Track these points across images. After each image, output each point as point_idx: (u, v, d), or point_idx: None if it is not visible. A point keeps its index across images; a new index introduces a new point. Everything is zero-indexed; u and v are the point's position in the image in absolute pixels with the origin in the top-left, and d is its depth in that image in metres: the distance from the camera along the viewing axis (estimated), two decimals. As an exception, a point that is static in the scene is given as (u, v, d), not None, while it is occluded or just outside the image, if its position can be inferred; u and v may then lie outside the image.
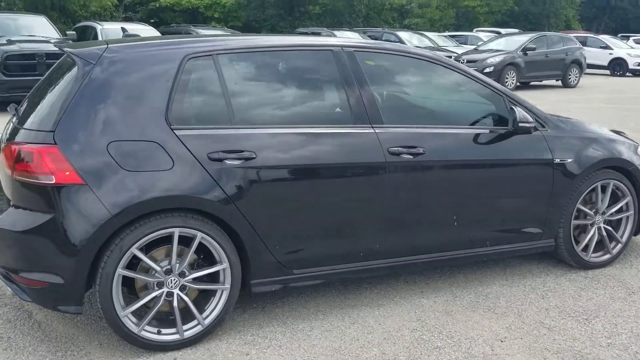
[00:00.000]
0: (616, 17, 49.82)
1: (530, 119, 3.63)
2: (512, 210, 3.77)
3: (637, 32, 38.16)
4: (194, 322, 3.08)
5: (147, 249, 3.00)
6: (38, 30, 12.83)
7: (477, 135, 3.62)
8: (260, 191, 3.08)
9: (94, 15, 22.46)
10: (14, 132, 3.10)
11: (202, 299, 3.15)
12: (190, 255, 3.03)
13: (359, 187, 3.31)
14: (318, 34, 20.69)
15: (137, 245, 2.89)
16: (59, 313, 3.43)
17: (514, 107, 3.61)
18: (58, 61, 3.55)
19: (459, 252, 3.64)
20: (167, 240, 3.00)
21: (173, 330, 3.05)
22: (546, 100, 14.13)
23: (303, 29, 23.44)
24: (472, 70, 3.76)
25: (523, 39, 18.08)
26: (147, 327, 3.00)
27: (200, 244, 3.00)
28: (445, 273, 4.03)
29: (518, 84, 17.08)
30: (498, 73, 16.39)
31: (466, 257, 3.69)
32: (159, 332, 3.02)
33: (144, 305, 3.02)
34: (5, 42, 11.67)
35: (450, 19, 36.94)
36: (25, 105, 3.38)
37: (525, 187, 3.76)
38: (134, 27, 15.18)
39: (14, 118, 3.35)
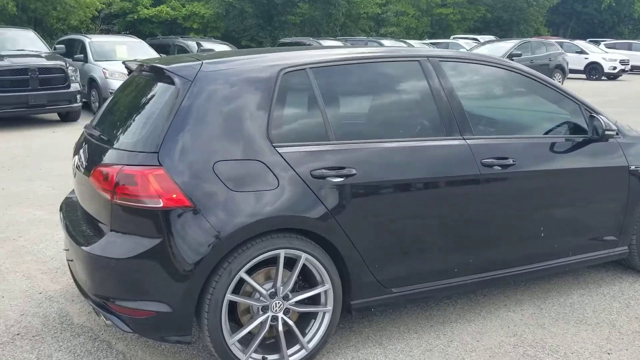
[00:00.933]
0: (582, 23, 51.08)
1: (614, 127, 3.62)
2: (592, 218, 3.74)
3: (601, 37, 39.21)
4: (297, 347, 2.96)
5: (248, 273, 2.86)
6: (26, 44, 12.48)
7: (559, 143, 3.59)
8: (360, 208, 2.98)
9: (71, 29, 22.00)
10: (101, 152, 2.94)
11: (302, 322, 3.02)
12: (295, 277, 2.90)
13: (455, 201, 3.23)
14: (302, 44, 20.66)
15: (245, 268, 2.76)
16: (140, 341, 3.26)
17: (596, 115, 3.59)
18: (132, 76, 3.39)
19: (545, 263, 3.59)
20: (266, 262, 2.87)
21: (277, 356, 2.91)
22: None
23: (287, 39, 23.36)
24: (549, 79, 3.72)
25: (507, 45, 18.36)
26: (253, 354, 2.86)
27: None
28: (520, 284, 3.97)
29: (505, 89, 17.29)
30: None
31: (551, 268, 3.64)
32: (263, 359, 2.88)
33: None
34: (-6, 56, 11.30)
35: (425, 27, 37.36)
36: (104, 123, 3.22)
37: (604, 194, 3.74)
38: (123, 40, 14.90)
39: (90, 138, 3.19)
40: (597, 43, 30.62)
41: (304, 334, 2.97)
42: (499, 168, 3.30)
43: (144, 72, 3.28)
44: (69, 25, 21.82)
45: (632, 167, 3.77)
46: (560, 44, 24.16)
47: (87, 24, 24.26)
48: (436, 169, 3.17)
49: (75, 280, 3.12)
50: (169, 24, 28.13)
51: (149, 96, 3.04)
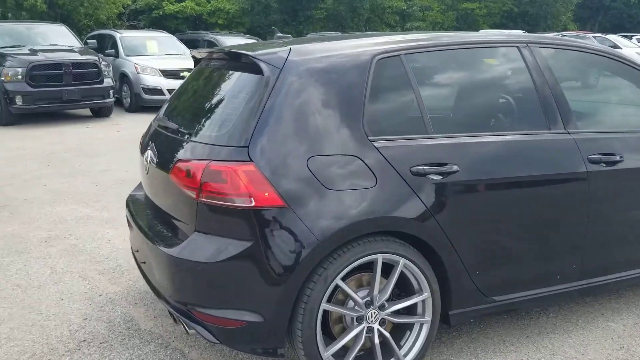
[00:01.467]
0: (610, 17, 50.00)
1: None
2: None
3: (630, 32, 38.29)
4: (392, 361, 2.70)
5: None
6: (58, 39, 12.37)
7: (619, 138, 3.20)
8: (462, 208, 2.71)
9: (98, 25, 21.93)
10: (179, 146, 2.71)
11: (396, 334, 2.76)
12: (393, 285, 2.64)
13: (560, 201, 2.94)
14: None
15: (341, 275, 2.51)
16: (214, 349, 3.04)
17: None
18: (202, 64, 3.16)
19: None
20: (357, 269, 2.61)
21: (371, 371, 2.66)
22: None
23: (315, 34, 23.01)
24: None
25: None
26: (349, 370, 2.61)
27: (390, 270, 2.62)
28: (613, 292, 3.66)
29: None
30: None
31: None
32: (358, 374, 2.64)
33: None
34: (28, 51, 11.20)
35: (451, 21, 36.77)
36: (178, 115, 3.00)
37: None
38: (154, 35, 14.75)
39: (164, 131, 2.96)
40: (629, 37, 29.85)
41: (399, 347, 2.72)
42: (604, 165, 3.01)
43: (219, 60, 3.04)
44: (96, 21, 21.71)
45: None
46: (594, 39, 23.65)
47: (113, 20, 24.20)
48: (541, 165, 2.88)
49: (150, 284, 2.90)
50: (194, 19, 27.95)
51: (229, 85, 2.80)
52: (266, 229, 2.40)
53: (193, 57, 3.45)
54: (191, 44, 15.13)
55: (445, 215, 2.65)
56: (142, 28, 24.84)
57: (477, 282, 2.79)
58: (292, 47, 2.68)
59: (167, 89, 12.59)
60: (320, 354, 2.53)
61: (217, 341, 2.53)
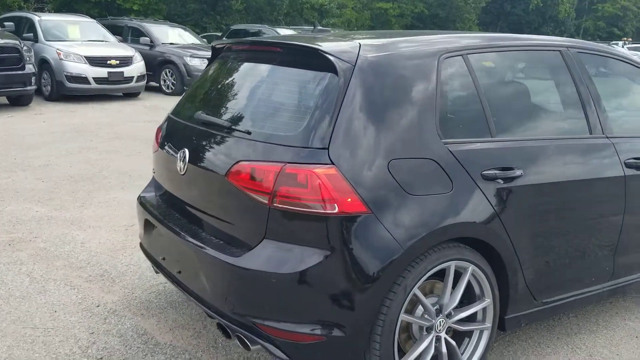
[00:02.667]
0: (510, 23, 52.99)
1: None
2: None
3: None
4: (456, 370, 2.62)
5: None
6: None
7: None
8: (523, 213, 2.68)
9: (3, 7, 20.23)
10: (234, 145, 2.48)
11: (456, 342, 2.68)
12: (462, 292, 2.57)
13: (603, 203, 3.00)
14: (258, 32, 20.03)
15: (418, 284, 2.39)
16: (254, 366, 2.82)
17: None
18: (236, 54, 2.92)
19: None
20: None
21: (438, 382, 2.57)
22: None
23: (239, 25, 22.45)
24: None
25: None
26: (419, 382, 2.51)
27: (454, 275, 2.54)
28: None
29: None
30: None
31: None
32: (425, 387, 2.53)
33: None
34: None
35: (365, 20, 37.41)
36: (218, 109, 2.74)
37: None
38: (75, 19, 13.80)
39: (203, 127, 2.70)
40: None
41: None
42: (637, 170, 3.10)
43: (264, 53, 2.81)
44: (1, 3, 19.99)
45: None
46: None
47: (19, 3, 22.41)
48: (588, 169, 2.92)
49: (192, 295, 2.64)
50: (106, 4, 26.45)
51: (290, 80, 2.58)
52: (349, 237, 2.24)
53: (213, 47, 3.20)
54: (113, 30, 14.28)
55: (510, 220, 2.60)
56: (50, 12, 23.18)
57: (530, 285, 2.77)
58: (360, 42, 2.52)
59: (93, 77, 11.85)
60: (396, 368, 2.40)
61: (286, 357, 2.33)
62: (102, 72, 12.00)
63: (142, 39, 14.48)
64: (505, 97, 2.86)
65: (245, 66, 2.87)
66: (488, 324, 2.68)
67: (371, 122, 2.34)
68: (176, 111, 3.11)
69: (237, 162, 2.40)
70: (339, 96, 2.33)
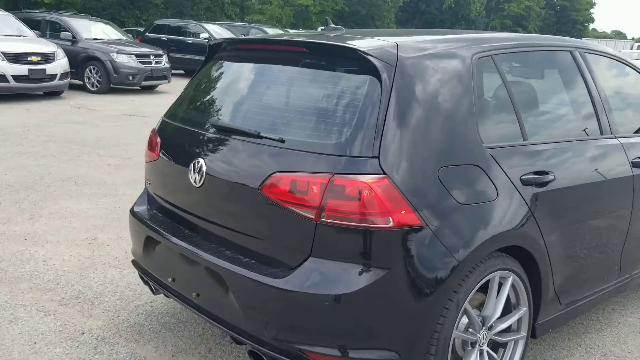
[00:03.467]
0: (425, 21, 54.57)
1: None
2: None
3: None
4: (495, 384, 2.53)
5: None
6: None
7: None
8: (555, 216, 2.62)
9: None
10: (268, 154, 2.25)
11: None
12: (504, 302, 2.47)
13: (615, 202, 3.01)
14: (183, 27, 19.40)
15: (469, 298, 2.27)
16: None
17: None
18: (247, 54, 2.67)
19: None
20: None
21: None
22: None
23: (162, 20, 21.57)
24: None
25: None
26: (467, 401, 2.39)
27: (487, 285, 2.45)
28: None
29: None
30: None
31: None
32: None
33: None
34: None
35: (288, 17, 37.25)
36: (241, 116, 2.50)
37: None
38: (-12, 11, 12.73)
39: (219, 135, 2.45)
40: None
41: (498, 368, 2.56)
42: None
43: (283, 53, 2.58)
44: None
45: None
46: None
47: None
48: (605, 169, 2.91)
49: (212, 319, 2.39)
50: (14, -4, 24.76)
51: (322, 82, 2.37)
52: (404, 252, 2.08)
53: (210, 46, 2.93)
54: (29, 24, 13.29)
55: (545, 224, 2.54)
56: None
57: (557, 289, 2.73)
58: (396, 41, 2.36)
59: (12, 75, 10.97)
60: (450, 388, 2.27)
61: (334, 385, 2.15)
62: (22, 69, 11.14)
63: (63, 34, 13.58)
64: (532, 99, 2.80)
65: (263, 67, 2.63)
66: (523, 333, 2.60)
67: (418, 127, 2.20)
68: (175, 115, 2.82)
69: (273, 173, 2.18)
70: (383, 100, 2.16)
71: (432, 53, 2.39)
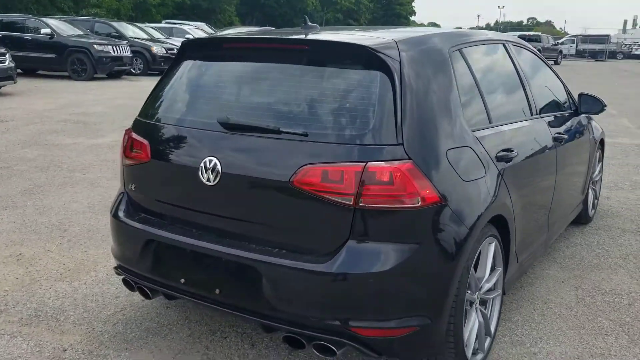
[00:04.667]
0: (265, 14, 55.13)
1: None
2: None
3: (283, 27, 43.27)
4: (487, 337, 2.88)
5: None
6: None
7: (557, 119, 4.01)
8: (518, 187, 3.01)
9: None
10: (292, 148, 2.35)
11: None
12: (490, 265, 2.82)
13: (546, 173, 3.51)
14: (16, 22, 17.75)
15: (473, 263, 2.57)
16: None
17: (582, 94, 4.25)
18: (241, 51, 2.73)
19: None
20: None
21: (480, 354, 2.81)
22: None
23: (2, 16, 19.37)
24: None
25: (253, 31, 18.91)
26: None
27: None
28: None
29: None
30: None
31: None
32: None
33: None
34: None
35: (127, 10, 35.53)
36: (253, 112, 2.54)
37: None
38: None
39: (235, 133, 2.49)
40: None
41: (482, 321, 2.91)
42: (560, 142, 3.69)
43: (280, 49, 2.66)
44: None
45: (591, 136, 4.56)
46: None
47: None
48: (539, 143, 3.40)
49: (238, 311, 2.45)
50: None
51: (330, 77, 2.49)
52: (431, 227, 2.32)
53: (184, 43, 2.92)
54: None
55: (514, 194, 2.92)
56: None
57: (517, 249, 3.13)
58: (392, 37, 2.57)
59: None
60: (464, 345, 2.56)
61: (376, 355, 2.34)
62: None
63: None
64: (490, 86, 3.16)
65: (263, 65, 2.68)
66: (499, 290, 2.98)
67: (427, 115, 2.44)
68: (163, 116, 2.78)
69: (303, 165, 2.30)
70: (396, 92, 2.36)
71: (422, 48, 2.64)
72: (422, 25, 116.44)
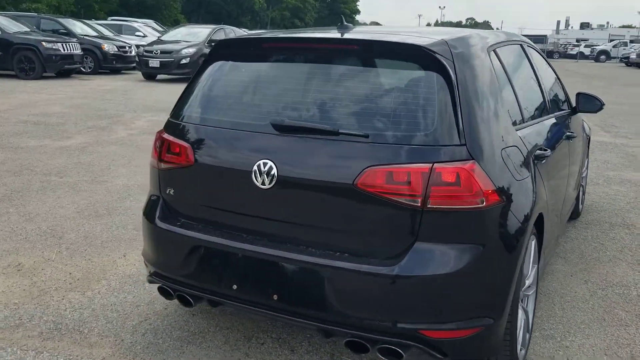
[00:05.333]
0: (211, 12, 54.39)
1: None
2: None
3: (231, 25, 42.90)
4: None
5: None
6: None
7: (563, 117, 4.15)
8: (548, 186, 3.06)
9: None
10: (353, 150, 2.32)
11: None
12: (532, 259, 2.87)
13: (563, 169, 3.61)
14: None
15: (525, 260, 2.62)
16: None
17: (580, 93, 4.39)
18: (291, 52, 2.68)
19: None
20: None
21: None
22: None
23: None
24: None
25: (205, 30, 18.63)
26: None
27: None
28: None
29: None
30: (195, 64, 16.65)
31: None
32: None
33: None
34: None
35: (69, 5, 34.28)
36: (307, 113, 2.49)
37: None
38: None
39: (291, 135, 2.44)
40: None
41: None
42: (569, 139, 3.81)
43: (327, 49, 2.62)
44: None
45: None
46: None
47: None
48: (557, 142, 3.50)
49: (294, 317, 2.42)
50: None
51: (384, 77, 2.49)
52: (493, 228, 2.34)
53: (220, 43, 2.85)
54: None
55: (547, 192, 2.99)
56: None
57: (544, 244, 3.20)
58: (443, 37, 2.57)
59: None
60: (516, 341, 2.59)
61: (441, 357, 2.34)
62: None
63: None
64: (519, 86, 3.21)
65: (310, 66, 2.63)
66: (535, 287, 3.04)
67: (482, 115, 2.45)
68: (201, 118, 2.69)
69: (367, 167, 2.27)
70: (453, 92, 2.36)
71: (469, 48, 2.65)
72: (364, 24, 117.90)
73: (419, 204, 2.23)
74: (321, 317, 2.37)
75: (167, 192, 2.75)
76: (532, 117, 3.22)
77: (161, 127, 2.85)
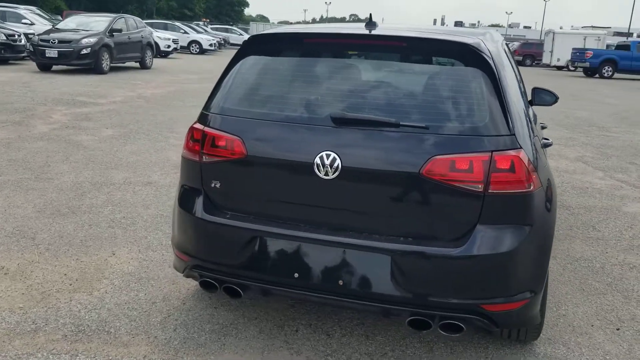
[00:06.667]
0: (93, 1, 51.59)
1: None
2: None
3: (117, 12, 41.17)
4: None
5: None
6: None
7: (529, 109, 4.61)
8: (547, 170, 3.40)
9: None
10: (418, 141, 2.47)
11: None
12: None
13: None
14: None
15: (547, 237, 2.92)
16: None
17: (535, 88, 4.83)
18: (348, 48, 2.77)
19: None
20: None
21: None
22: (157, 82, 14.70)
23: None
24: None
25: (104, 19, 17.67)
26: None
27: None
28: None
29: (110, 65, 16.81)
30: (96, 54, 15.87)
31: None
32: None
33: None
34: None
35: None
36: (372, 108, 2.59)
37: None
38: None
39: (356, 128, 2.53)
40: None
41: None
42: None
43: (376, 45, 2.73)
44: None
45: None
46: (165, 25, 33.12)
47: None
48: (541, 130, 3.85)
49: (362, 300, 2.53)
50: None
51: (433, 72, 2.65)
52: (539, 209, 2.58)
53: (257, 37, 2.87)
54: None
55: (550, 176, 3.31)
56: None
57: None
58: (477, 36, 2.77)
59: None
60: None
61: (495, 328, 2.56)
62: None
63: None
64: (521, 80, 3.51)
65: (359, 61, 2.73)
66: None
67: (519, 106, 2.71)
68: (249, 111, 2.70)
69: (432, 157, 2.43)
70: (496, 86, 2.57)
71: (497, 46, 2.90)
72: (250, 17, 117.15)
73: (481, 190, 2.43)
74: (386, 299, 2.51)
75: (212, 185, 2.74)
76: (528, 108, 3.53)
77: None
